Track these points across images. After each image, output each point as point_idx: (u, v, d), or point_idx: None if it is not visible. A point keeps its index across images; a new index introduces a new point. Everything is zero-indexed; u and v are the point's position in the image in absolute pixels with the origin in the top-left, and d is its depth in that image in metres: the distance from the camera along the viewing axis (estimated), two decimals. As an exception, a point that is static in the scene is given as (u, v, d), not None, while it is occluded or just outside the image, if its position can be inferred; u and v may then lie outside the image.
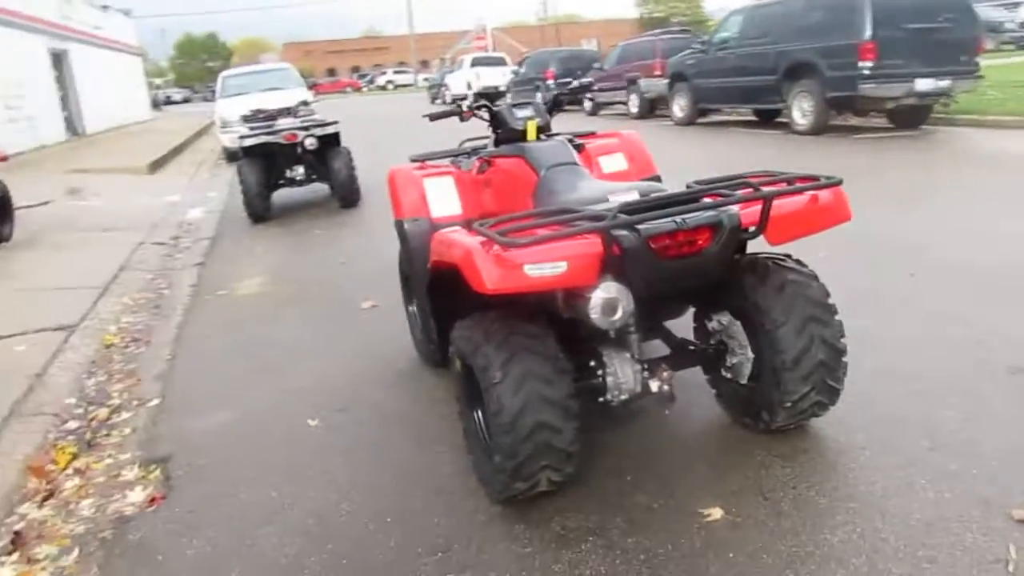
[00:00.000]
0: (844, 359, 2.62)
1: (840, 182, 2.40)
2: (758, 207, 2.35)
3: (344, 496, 2.72)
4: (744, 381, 2.74)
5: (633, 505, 2.48)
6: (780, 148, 10.21)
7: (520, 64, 25.35)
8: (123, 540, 2.62)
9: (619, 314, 2.33)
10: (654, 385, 2.61)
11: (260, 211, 8.12)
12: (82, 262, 6.65)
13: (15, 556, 2.59)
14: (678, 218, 2.25)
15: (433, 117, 3.66)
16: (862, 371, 3.19)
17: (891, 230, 5.43)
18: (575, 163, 3.09)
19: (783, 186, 2.42)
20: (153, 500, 2.87)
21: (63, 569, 2.50)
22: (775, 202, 2.35)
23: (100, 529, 2.71)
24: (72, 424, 3.59)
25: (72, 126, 18.35)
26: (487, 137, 3.62)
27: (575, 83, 4.11)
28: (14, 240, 7.47)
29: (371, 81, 68.94)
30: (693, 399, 3.08)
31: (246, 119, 15.31)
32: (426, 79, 48.19)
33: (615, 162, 3.67)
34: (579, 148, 3.62)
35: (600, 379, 2.62)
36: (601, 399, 2.63)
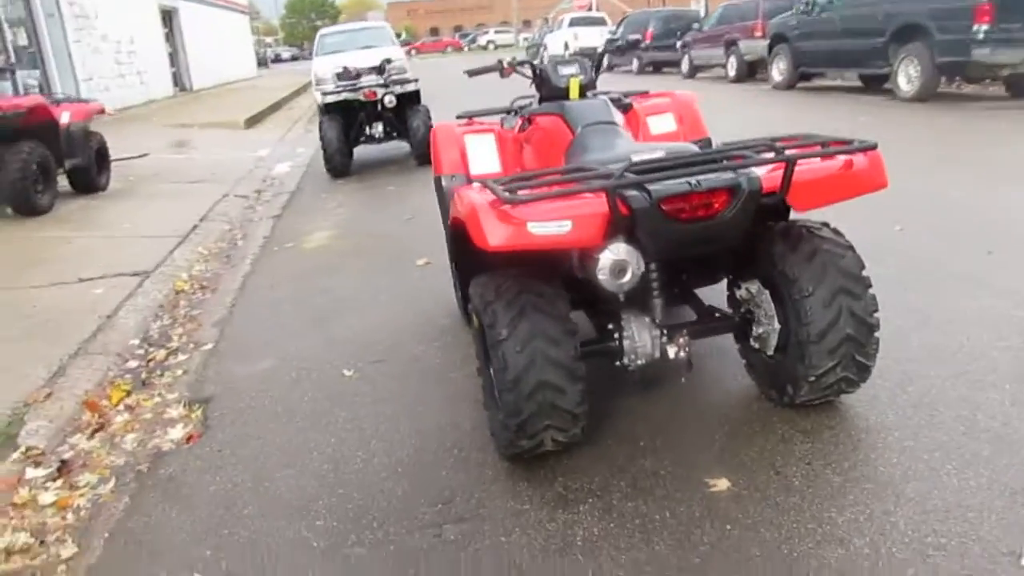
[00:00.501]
0: (876, 335, 2.48)
1: (874, 146, 2.25)
2: (781, 171, 2.23)
3: (364, 445, 2.79)
4: (771, 353, 2.64)
5: (639, 470, 2.44)
6: (880, 115, 9.65)
7: (619, 25, 24.80)
8: (156, 474, 2.77)
9: (628, 276, 2.27)
10: (671, 351, 2.55)
11: (339, 167, 8.31)
12: (168, 212, 6.98)
13: (59, 482, 2.77)
14: (692, 179, 2.16)
15: (472, 73, 3.63)
16: (907, 348, 3.02)
17: (986, 206, 5.06)
18: (612, 122, 3.01)
19: (812, 149, 2.29)
20: (190, 438, 3.02)
21: (99, 497, 2.67)
22: (800, 166, 2.23)
23: (138, 462, 2.88)
24: (131, 364, 3.81)
25: (180, 82, 19.18)
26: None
27: (621, 41, 3.98)
28: (110, 190, 7.92)
29: (472, 41, 68.85)
30: (724, 369, 3.00)
31: (339, 76, 15.69)
32: (526, 39, 47.80)
33: (664, 123, 3.56)
34: (627, 108, 3.53)
35: (617, 342, 2.57)
36: (618, 363, 2.59)
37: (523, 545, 2.14)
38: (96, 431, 3.17)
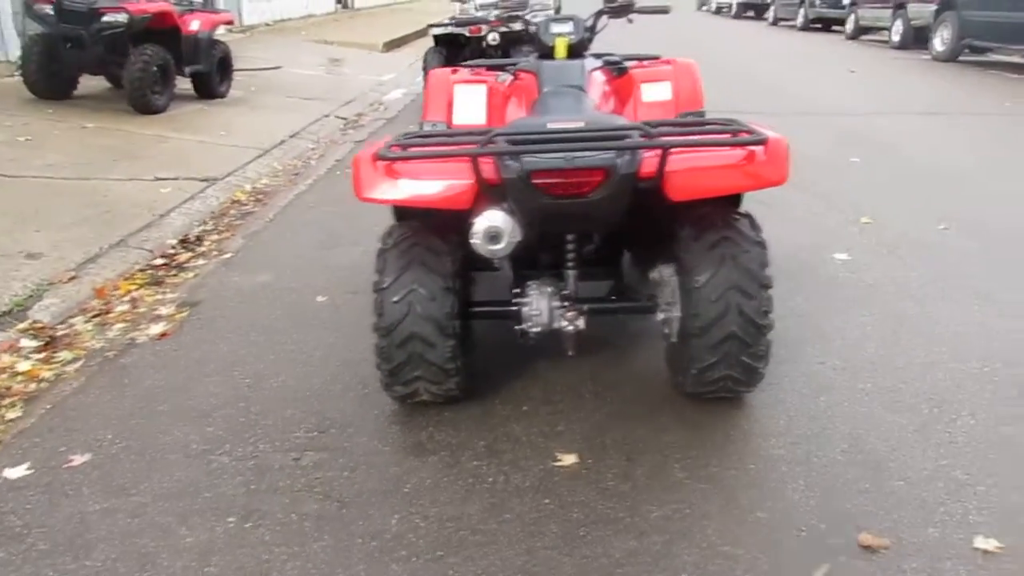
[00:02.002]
0: (766, 338, 2.39)
1: (764, 140, 2.13)
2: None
3: (289, 367, 2.99)
4: (674, 339, 2.60)
5: (504, 434, 2.51)
6: (1033, 100, 8.68)
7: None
8: (117, 362, 3.12)
9: (502, 244, 2.30)
10: (564, 323, 2.56)
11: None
12: (267, 124, 7.44)
13: (42, 355, 3.18)
14: (569, 155, 2.14)
15: (458, 23, 3.64)
16: (854, 358, 2.88)
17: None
18: (580, 88, 2.96)
19: (705, 137, 2.20)
20: (163, 335, 3.35)
21: (64, 373, 3.04)
22: (679, 154, 2.16)
23: (111, 349, 3.24)
24: (158, 261, 4.21)
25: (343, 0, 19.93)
26: None
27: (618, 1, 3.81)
28: (229, 97, 8.49)
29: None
30: (651, 350, 2.96)
31: (482, 7, 15.80)
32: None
33: (659, 91, 3.45)
34: (621, 73, 3.45)
35: (517, 307, 2.61)
36: (517, 327, 2.63)
37: (357, 483, 2.28)
38: (96, 316, 3.57)
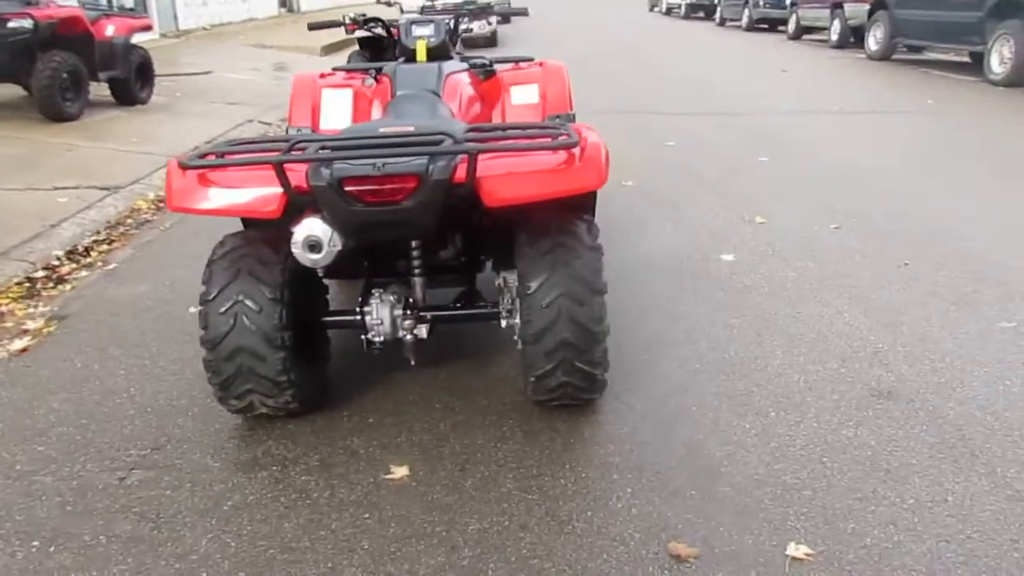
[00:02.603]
0: (602, 345, 2.36)
1: (575, 144, 2.10)
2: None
3: (140, 382, 2.91)
4: (520, 346, 2.56)
5: (342, 447, 2.46)
6: (953, 99, 8.82)
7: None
8: (-34, 378, 3.01)
9: (322, 253, 2.24)
10: (404, 332, 2.52)
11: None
12: (184, 130, 7.30)
13: None
14: (378, 162, 2.10)
15: (312, 27, 3.59)
16: (716, 361, 2.86)
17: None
18: (431, 92, 2.93)
19: (507, 141, 2.18)
20: (23, 350, 3.24)
21: (-93, 391, 2.93)
22: (492, 159, 2.12)
23: (-35, 364, 3.13)
24: (40, 273, 4.09)
25: (287, 2, 19.70)
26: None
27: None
28: (150, 104, 8.33)
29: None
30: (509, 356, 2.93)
31: (423, 10, 15.67)
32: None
33: (527, 94, 3.44)
34: (488, 75, 3.42)
35: (362, 316, 2.56)
36: (363, 336, 2.58)
37: (177, 502, 2.22)
38: (-41, 330, 3.45)
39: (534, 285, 2.34)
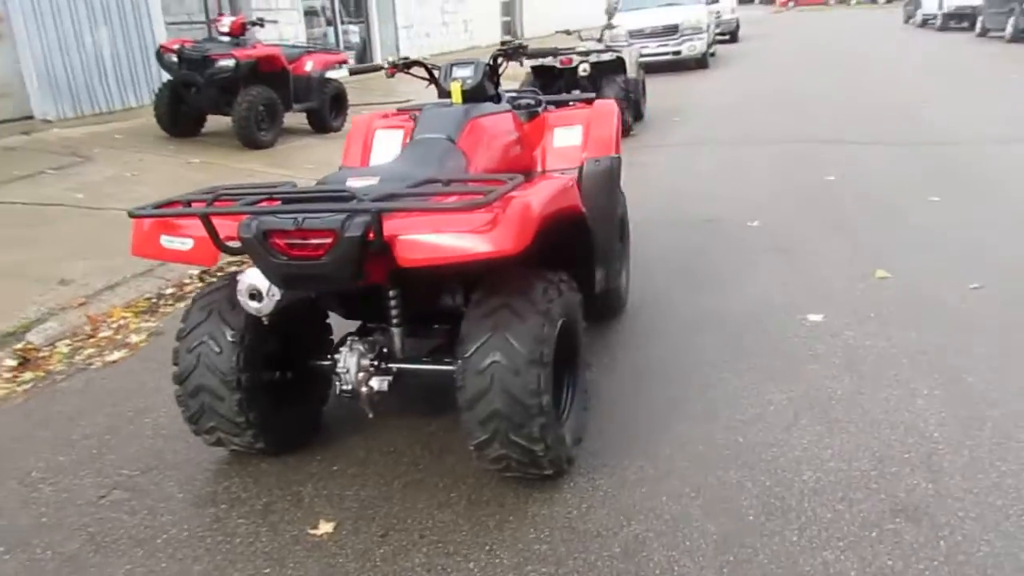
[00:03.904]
0: (539, 419, 2.17)
1: (483, 204, 1.95)
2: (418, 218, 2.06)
3: (172, 405, 3.14)
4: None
5: (292, 493, 2.48)
6: None
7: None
8: (58, 385, 3.43)
9: (264, 302, 2.29)
10: (366, 386, 2.48)
11: (530, 130, 8.50)
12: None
13: (11, 374, 3.57)
14: (299, 216, 2.10)
15: (352, 72, 3.62)
16: (686, 439, 2.54)
17: None
18: (444, 139, 2.87)
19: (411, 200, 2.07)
20: (115, 362, 3.65)
21: (12, 393, 3.40)
22: (405, 218, 2.04)
23: (65, 372, 3.57)
24: (169, 290, 4.58)
25: (511, 30, 20.48)
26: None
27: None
28: (343, 131, 9.03)
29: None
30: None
31: (632, 34, 15.68)
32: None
33: (569, 136, 3.29)
34: (533, 116, 3.30)
35: (332, 363, 2.58)
36: (337, 384, 2.60)
37: (127, 527, 2.36)
38: (81, 340, 3.96)
39: (471, 348, 2.22)
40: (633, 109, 8.84)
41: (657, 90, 11.63)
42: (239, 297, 2.31)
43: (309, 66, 8.50)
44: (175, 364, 2.49)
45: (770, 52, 17.64)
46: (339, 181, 2.47)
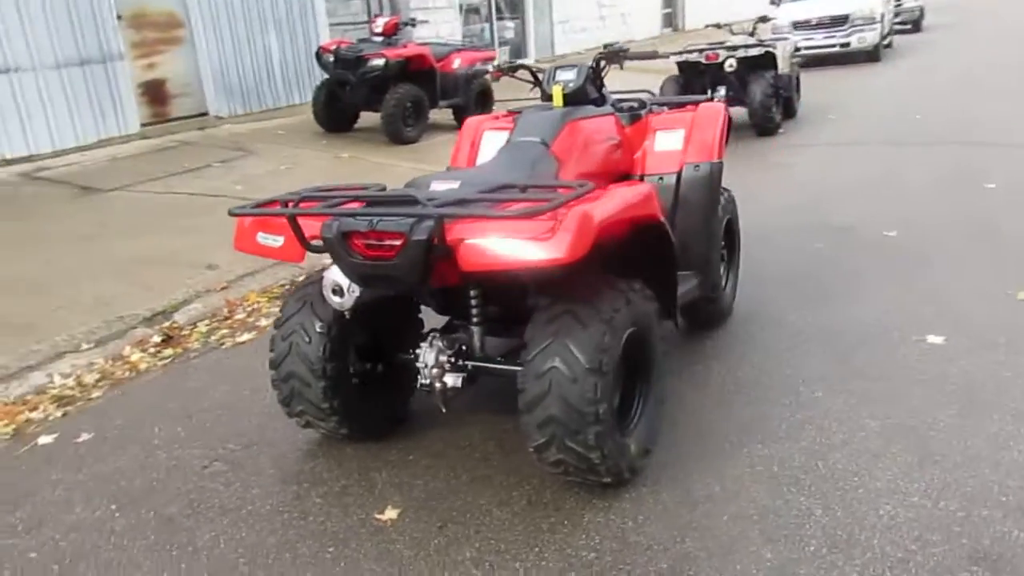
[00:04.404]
0: (595, 427, 2.18)
1: (538, 212, 1.98)
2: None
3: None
4: None
5: (368, 479, 2.62)
6: None
7: None
8: (192, 362, 3.80)
9: (344, 297, 2.44)
10: (439, 381, 2.57)
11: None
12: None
13: (154, 350, 3.98)
14: (374, 219, 2.22)
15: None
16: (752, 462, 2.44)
17: None
18: (537, 143, 2.91)
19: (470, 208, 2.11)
20: (243, 343, 3.98)
21: (153, 366, 3.80)
22: (471, 223, 2.10)
23: (200, 350, 3.95)
24: (302, 277, 4.92)
25: (673, 21, 20.06)
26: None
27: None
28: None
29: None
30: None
31: (796, 25, 14.96)
32: None
33: (670, 140, 3.23)
34: (636, 119, 3.27)
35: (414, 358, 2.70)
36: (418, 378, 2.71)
37: (221, 497, 2.59)
38: (218, 321, 4.35)
39: (533, 352, 2.26)
40: (783, 106, 8.47)
41: (817, 85, 11.07)
42: (324, 292, 2.47)
43: (456, 63, 8.77)
44: (271, 351, 2.70)
45: (956, 44, 16.20)
46: (424, 184, 2.58)
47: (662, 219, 2.50)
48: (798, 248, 4.53)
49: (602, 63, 3.29)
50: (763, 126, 8.01)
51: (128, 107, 7.94)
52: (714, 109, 3.27)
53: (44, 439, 3.10)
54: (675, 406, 2.85)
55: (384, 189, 2.63)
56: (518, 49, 14.39)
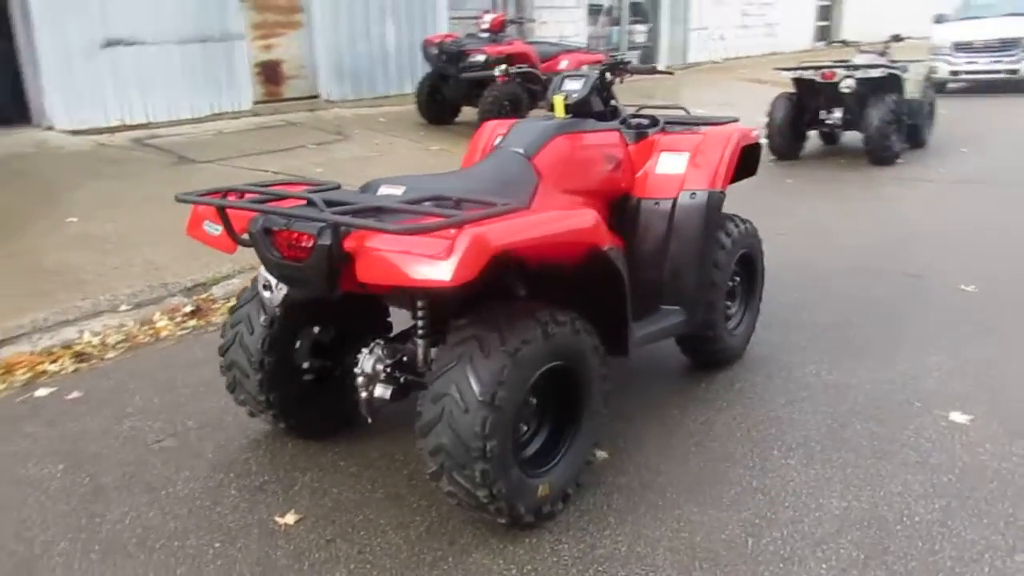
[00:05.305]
0: (481, 464, 2.05)
1: (424, 229, 1.85)
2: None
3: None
4: None
5: (289, 478, 2.59)
6: None
7: None
8: (212, 336, 3.91)
9: (273, 293, 2.42)
10: (365, 390, 2.49)
11: (780, 148, 7.87)
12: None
13: (179, 319, 4.15)
14: (292, 220, 2.17)
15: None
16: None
17: None
18: (518, 153, 2.77)
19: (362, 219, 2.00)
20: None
21: (173, 335, 3.95)
22: (369, 235, 2.00)
23: (220, 325, 4.06)
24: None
25: (828, 34, 18.95)
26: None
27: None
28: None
29: None
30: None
31: (957, 47, 13.85)
32: None
33: (673, 163, 3.00)
34: (638, 137, 3.06)
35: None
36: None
37: (157, 474, 2.64)
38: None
39: (434, 375, 2.13)
40: (908, 135, 7.78)
41: (966, 113, 10.17)
42: (257, 286, 2.45)
43: (564, 64, 8.62)
44: (221, 336, 2.71)
45: None
46: (375, 187, 2.51)
47: (604, 248, 2.30)
48: (852, 295, 4.11)
49: (607, 75, 3.09)
50: (878, 154, 7.38)
51: (242, 85, 8.34)
52: (723, 133, 3.00)
53: (41, 392, 3.28)
54: (623, 450, 2.64)
55: (338, 188, 2.58)
56: (648, 55, 14.03)
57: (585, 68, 3.47)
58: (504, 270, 2.45)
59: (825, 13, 18.89)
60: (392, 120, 8.81)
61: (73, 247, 4.76)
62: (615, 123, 3.09)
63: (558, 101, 3.05)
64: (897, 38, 8.00)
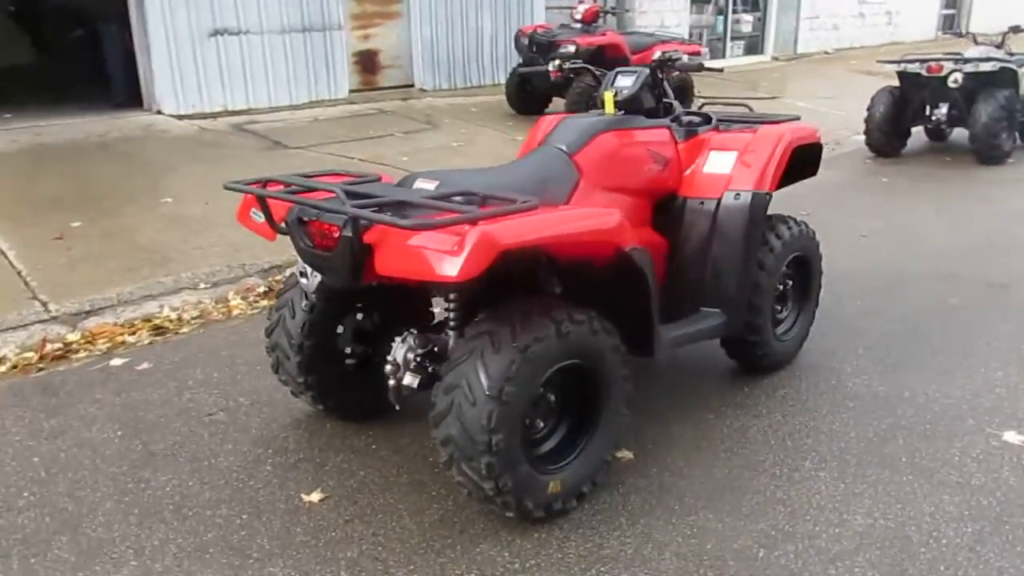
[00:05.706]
0: (487, 458, 2.09)
1: (432, 226, 1.90)
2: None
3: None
4: None
5: (319, 457, 2.71)
6: None
7: None
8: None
9: (308, 280, 2.52)
10: (394, 378, 2.56)
11: (879, 145, 7.48)
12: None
13: (250, 299, 4.36)
14: (323, 211, 2.26)
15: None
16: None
17: None
18: (560, 150, 2.78)
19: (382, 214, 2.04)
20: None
21: (243, 313, 4.17)
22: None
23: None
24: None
25: (951, 24, 17.80)
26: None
27: None
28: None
29: None
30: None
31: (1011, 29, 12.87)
32: None
33: (722, 162, 2.93)
34: (689, 135, 3.01)
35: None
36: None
37: (203, 445, 2.81)
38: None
39: (449, 366, 2.18)
40: (1021, 133, 7.26)
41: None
42: (296, 271, 2.56)
43: (658, 56, 8.47)
44: (268, 319, 2.85)
45: None
46: (411, 181, 2.57)
47: (627, 249, 2.28)
48: (926, 303, 3.89)
49: (659, 73, 3.04)
50: (985, 153, 6.91)
51: (340, 74, 8.63)
52: (774, 133, 2.90)
53: (116, 361, 3.53)
54: (650, 451, 2.61)
55: (377, 181, 2.66)
56: (754, 44, 13.59)
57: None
58: (537, 267, 2.48)
59: (952, 1, 17.72)
60: (483, 110, 8.90)
61: (164, 226, 5.08)
62: (666, 120, 3.04)
63: (608, 97, 3.04)
64: (1017, 29, 7.45)
